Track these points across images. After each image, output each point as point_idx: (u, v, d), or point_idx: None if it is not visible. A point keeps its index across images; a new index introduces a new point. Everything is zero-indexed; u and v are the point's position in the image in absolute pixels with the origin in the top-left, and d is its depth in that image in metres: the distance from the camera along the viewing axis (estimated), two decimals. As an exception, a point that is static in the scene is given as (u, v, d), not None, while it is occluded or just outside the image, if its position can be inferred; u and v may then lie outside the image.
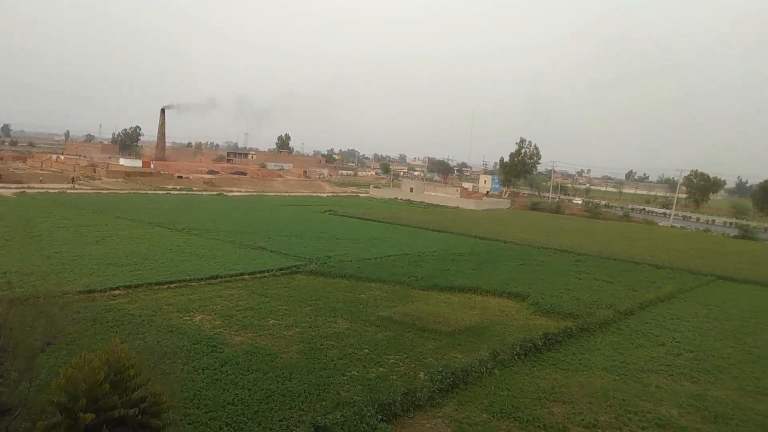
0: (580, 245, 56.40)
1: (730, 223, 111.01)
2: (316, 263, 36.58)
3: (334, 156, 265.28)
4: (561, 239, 60.91)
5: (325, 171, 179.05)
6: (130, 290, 26.63)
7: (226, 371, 17.70)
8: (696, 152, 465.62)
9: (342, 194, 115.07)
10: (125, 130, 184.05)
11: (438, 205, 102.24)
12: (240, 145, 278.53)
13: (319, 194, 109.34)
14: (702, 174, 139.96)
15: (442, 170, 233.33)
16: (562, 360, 21.29)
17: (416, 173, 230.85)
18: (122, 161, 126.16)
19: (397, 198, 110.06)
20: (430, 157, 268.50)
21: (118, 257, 33.79)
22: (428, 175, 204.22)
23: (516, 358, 20.83)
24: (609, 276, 39.68)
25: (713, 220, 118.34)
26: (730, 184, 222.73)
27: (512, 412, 16.26)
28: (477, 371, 18.82)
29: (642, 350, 23.44)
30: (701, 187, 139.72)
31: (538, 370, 20.10)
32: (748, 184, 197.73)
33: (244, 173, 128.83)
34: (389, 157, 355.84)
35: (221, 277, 30.57)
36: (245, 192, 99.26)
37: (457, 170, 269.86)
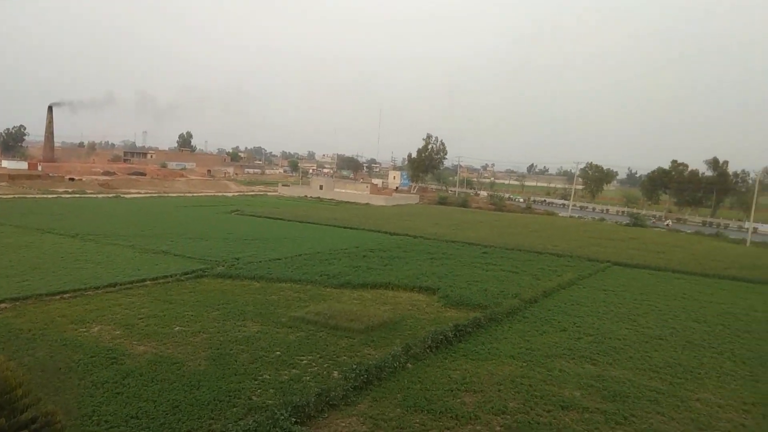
0: (486, 237, 58.40)
1: (623, 212, 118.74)
2: (223, 266, 35.60)
3: (239, 154, 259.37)
4: (468, 232, 62.80)
5: (231, 170, 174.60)
6: (17, 303, 24.73)
7: (128, 384, 16.84)
8: (591, 145, 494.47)
9: (249, 193, 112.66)
10: (8, 129, 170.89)
11: (348, 201, 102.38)
12: (138, 144, 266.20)
13: (224, 194, 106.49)
14: (596, 166, 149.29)
15: (351, 167, 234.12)
16: (472, 350, 21.92)
17: (326, 170, 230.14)
18: (5, 163, 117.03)
19: (306, 196, 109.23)
20: (340, 153, 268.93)
21: (2, 267, 31.34)
22: (344, 173, 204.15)
23: (428, 351, 21.22)
24: (514, 266, 41.30)
25: (607, 210, 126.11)
26: (622, 175, 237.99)
27: (425, 405, 16.56)
28: (390, 366, 19.00)
29: (546, 336, 24.57)
30: (596, 178, 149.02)
31: (450, 361, 20.59)
32: (637, 175, 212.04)
33: (143, 174, 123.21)
34: (297, 154, 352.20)
35: (120, 285, 29.04)
36: (145, 193, 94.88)
37: (367, 167, 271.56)
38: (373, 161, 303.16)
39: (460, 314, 26.95)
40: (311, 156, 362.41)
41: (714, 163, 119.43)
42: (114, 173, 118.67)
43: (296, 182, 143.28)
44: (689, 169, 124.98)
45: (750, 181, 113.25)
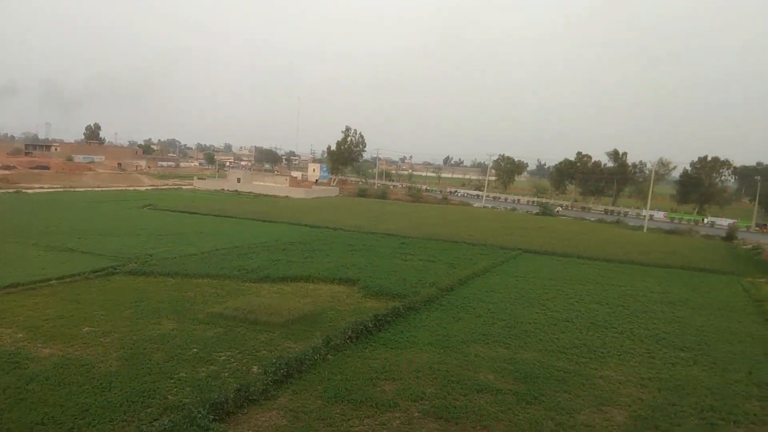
0: (404, 228, 59.19)
1: (533, 202, 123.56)
2: (135, 262, 34.13)
3: (152, 146, 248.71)
4: (387, 223, 63.39)
5: (143, 163, 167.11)
6: None
7: (33, 389, 15.85)
8: (503, 138, 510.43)
9: (163, 187, 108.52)
10: None
11: (267, 194, 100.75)
12: (41, 137, 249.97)
13: (136, 188, 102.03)
14: (508, 158, 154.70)
15: (270, 159, 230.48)
16: (391, 339, 22.19)
17: (243, 163, 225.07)
18: None
19: (223, 189, 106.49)
20: (258, 146, 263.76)
21: None
22: (267, 166, 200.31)
23: (348, 341, 21.29)
24: (431, 256, 42.11)
25: (518, 200, 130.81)
26: (532, 166, 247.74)
27: (346, 395, 16.62)
28: (311, 359, 18.93)
29: (462, 323, 25.24)
30: (508, 169, 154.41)
31: (370, 351, 20.75)
32: (546, 166, 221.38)
33: (47, 167, 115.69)
34: (214, 146, 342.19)
35: (23, 285, 27.20)
36: (49, 188, 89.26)
37: (286, 159, 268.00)
38: (292, 154, 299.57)
39: (379, 304, 27.16)
40: (228, 148, 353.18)
41: (615, 155, 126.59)
42: (14, 167, 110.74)
43: (213, 175, 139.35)
44: (593, 160, 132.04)
45: (647, 172, 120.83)
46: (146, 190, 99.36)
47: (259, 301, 26.25)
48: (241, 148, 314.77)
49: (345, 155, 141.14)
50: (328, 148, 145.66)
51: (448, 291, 31.22)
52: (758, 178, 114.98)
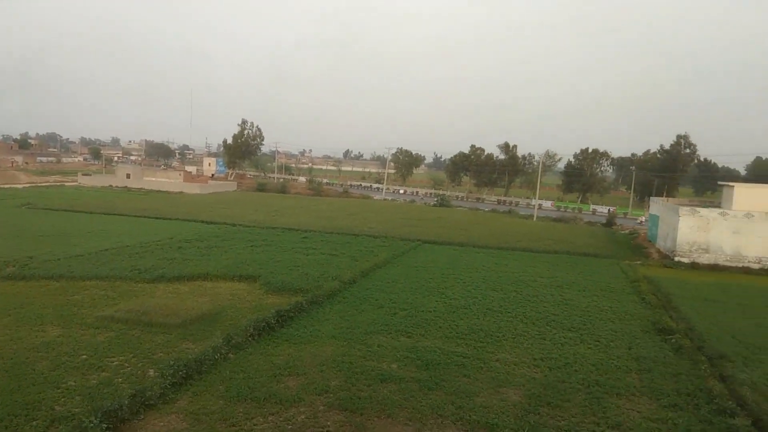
0: (306, 222, 58.79)
1: (430, 194, 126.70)
2: (14, 266, 31.55)
3: (30, 141, 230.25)
4: (288, 218, 62.67)
5: (19, 158, 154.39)
6: None
7: None
8: (402, 131, 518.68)
9: (43, 184, 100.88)
10: None
11: (160, 191, 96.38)
12: None
13: (13, 185, 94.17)
14: (406, 151, 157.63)
15: (162, 154, 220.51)
16: (294, 334, 21.99)
17: (133, 158, 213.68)
18: None
19: (112, 186, 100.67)
20: (148, 140, 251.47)
21: None
22: (164, 162, 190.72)
23: (250, 339, 20.88)
24: (333, 249, 42.13)
25: (417, 192, 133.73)
26: (429, 159, 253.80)
27: (249, 393, 16.30)
28: (211, 359, 18.37)
29: (365, 314, 25.47)
30: (406, 162, 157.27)
31: (273, 347, 20.46)
32: (442, 159, 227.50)
33: None
34: (100, 140, 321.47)
35: None
36: None
37: (179, 153, 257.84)
38: (186, 148, 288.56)
39: (282, 300, 26.85)
40: (116, 142, 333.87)
41: (506, 148, 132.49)
42: None
43: (99, 171, 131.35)
44: (486, 153, 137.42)
45: (535, 163, 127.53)
46: (24, 187, 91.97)
47: (153, 302, 25.12)
48: (130, 142, 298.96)
49: (242, 149, 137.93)
50: (225, 141, 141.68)
51: (350, 284, 31.37)
52: (633, 168, 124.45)
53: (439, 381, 18.03)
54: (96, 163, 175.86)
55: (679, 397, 17.81)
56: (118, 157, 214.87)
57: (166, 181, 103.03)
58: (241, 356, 19.39)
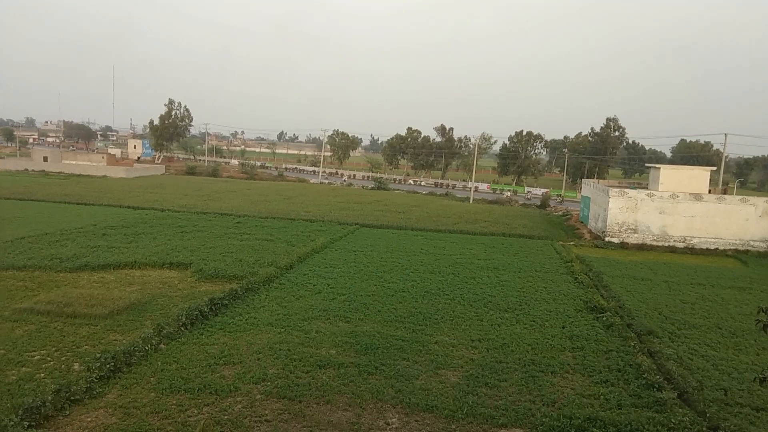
0: (239, 207, 57.71)
1: (368, 177, 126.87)
2: None
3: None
4: (220, 203, 61.35)
5: None
6: None
7: None
8: (338, 113, 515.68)
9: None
10: None
11: (81, 174, 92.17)
12: None
13: None
14: (343, 133, 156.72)
15: (82, 135, 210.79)
16: (229, 323, 21.65)
17: (50, 140, 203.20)
18: None
19: (28, 170, 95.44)
20: (67, 120, 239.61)
21: None
22: (102, 145, 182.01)
23: (183, 328, 20.40)
24: (269, 234, 41.61)
25: (354, 175, 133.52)
26: (366, 141, 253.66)
27: (182, 385, 15.95)
28: (141, 350, 17.83)
29: (302, 300, 25.35)
30: (343, 145, 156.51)
31: (207, 336, 20.08)
32: (379, 141, 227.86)
33: None
34: (12, 121, 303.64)
35: None
36: None
37: (102, 135, 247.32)
38: (108, 129, 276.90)
39: (215, 287, 26.38)
40: (31, 123, 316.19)
41: (442, 130, 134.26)
42: None
43: (13, 154, 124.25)
44: (422, 135, 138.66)
45: (471, 146, 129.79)
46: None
47: (77, 292, 24.12)
48: (46, 122, 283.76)
49: (170, 130, 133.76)
50: (151, 122, 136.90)
51: (287, 269, 31.11)
52: (566, 150, 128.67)
53: (379, 365, 18.20)
54: (9, 145, 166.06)
55: (611, 374, 18.70)
56: (34, 138, 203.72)
57: (88, 164, 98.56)
58: (173, 347, 18.93)
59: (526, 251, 41.86)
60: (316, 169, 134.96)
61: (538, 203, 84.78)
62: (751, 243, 47.35)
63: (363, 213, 58.90)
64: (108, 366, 16.33)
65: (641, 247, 47.26)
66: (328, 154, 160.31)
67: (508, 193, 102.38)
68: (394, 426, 14.58)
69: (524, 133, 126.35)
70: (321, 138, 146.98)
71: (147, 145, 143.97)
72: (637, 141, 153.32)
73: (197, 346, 19.06)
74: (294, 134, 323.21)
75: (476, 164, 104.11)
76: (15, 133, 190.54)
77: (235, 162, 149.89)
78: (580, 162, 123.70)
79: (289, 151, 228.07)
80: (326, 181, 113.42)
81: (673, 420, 15.07)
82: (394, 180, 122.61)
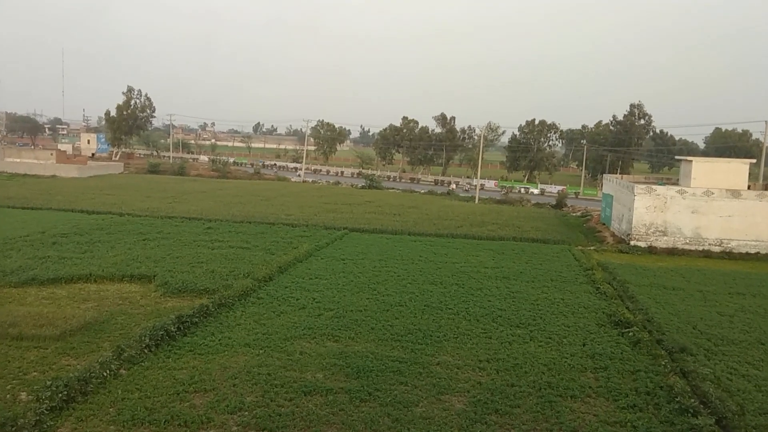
0: (210, 210, 57.68)
1: (358, 174, 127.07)
2: None
3: None
4: (188, 205, 61.31)
5: None
6: None
7: None
8: (325, 105, 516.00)
9: None
10: None
11: (27, 174, 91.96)
12: None
13: None
14: (328, 124, 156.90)
15: (28, 129, 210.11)
16: (200, 343, 21.61)
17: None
18: None
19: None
20: (9, 112, 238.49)
21: None
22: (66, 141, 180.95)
23: (146, 351, 20.34)
24: (245, 241, 41.59)
25: (342, 172, 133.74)
26: (355, 133, 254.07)
27: (146, 416, 15.91)
28: (98, 377, 17.76)
29: (284, 317, 25.34)
30: (329, 138, 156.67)
31: (174, 360, 20.03)
32: (370, 133, 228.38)
33: None
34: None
35: None
36: None
37: (50, 128, 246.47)
38: (58, 121, 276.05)
39: (183, 303, 26.36)
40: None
41: (442, 120, 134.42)
42: None
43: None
44: (420, 126, 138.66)
45: (475, 138, 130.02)
46: None
47: (24, 310, 24.05)
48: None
49: (129, 122, 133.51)
50: (107, 113, 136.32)
51: (266, 281, 31.11)
52: (584, 141, 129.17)
53: (373, 391, 18.21)
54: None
55: (638, 397, 18.77)
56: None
57: (34, 162, 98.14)
58: (135, 372, 18.87)
59: (541, 258, 41.99)
60: (298, 165, 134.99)
61: (554, 202, 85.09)
62: (797, 246, 47.65)
63: (353, 216, 58.97)
64: (60, 395, 16.25)
65: (671, 252, 47.50)
66: (312, 148, 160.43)
67: (522, 191, 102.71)
68: (391, 461, 14.58)
69: (536, 122, 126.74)
70: (303, 130, 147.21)
71: (103, 140, 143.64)
72: (665, 130, 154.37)
73: (163, 371, 19.01)
74: (272, 126, 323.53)
75: (482, 158, 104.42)
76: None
77: (204, 158, 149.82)
78: (600, 155, 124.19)
79: (267, 146, 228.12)
80: (310, 180, 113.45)
81: (710, 450, 15.14)
82: (388, 177, 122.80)
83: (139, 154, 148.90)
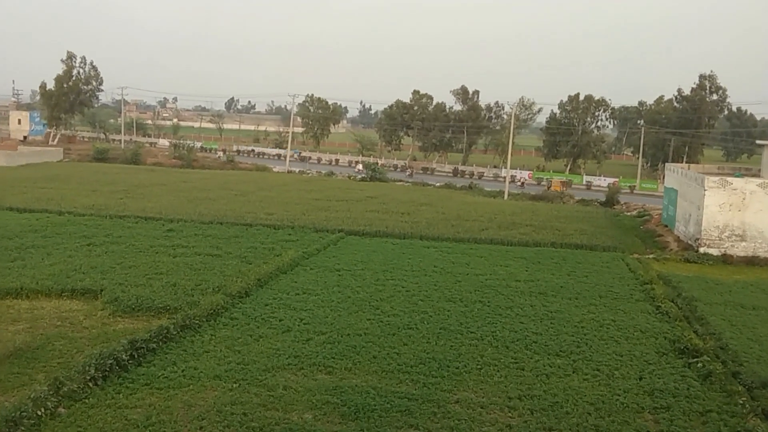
0: (171, 208, 57.72)
1: (356, 162, 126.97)
2: None
3: None
4: (144, 201, 61.38)
5: None
6: None
7: None
8: (311, 72, 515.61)
9: None
10: None
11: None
12: None
13: None
14: (320, 100, 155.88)
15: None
16: (159, 375, 21.63)
17: None
18: None
19: None
20: None
21: None
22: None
23: (91, 384, 20.39)
24: (215, 247, 41.67)
25: (337, 160, 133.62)
26: (353, 111, 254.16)
27: (92, 467, 15.96)
28: (31, 416, 17.80)
29: (264, 342, 25.34)
30: (320, 117, 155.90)
31: (126, 396, 20.06)
32: (372, 112, 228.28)
33: None
34: None
35: None
36: None
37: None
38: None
39: (138, 325, 26.41)
40: None
41: (463, 94, 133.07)
42: None
43: None
44: (434, 102, 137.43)
45: (505, 117, 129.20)
46: None
47: (-62, 333, 24.15)
48: None
49: (70, 98, 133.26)
50: (42, 86, 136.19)
51: (241, 297, 31.13)
52: (641, 122, 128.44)
53: (375, 436, 18.21)
54: None
55: (709, 444, 18.71)
56: None
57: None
58: (77, 410, 18.90)
59: (586, 268, 41.91)
60: (282, 152, 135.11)
61: (603, 199, 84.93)
62: None
63: (350, 215, 58.92)
64: (-17, 440, 16.34)
65: (751, 261, 47.31)
66: (300, 130, 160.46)
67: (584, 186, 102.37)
68: None
69: (581, 97, 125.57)
70: (288, 107, 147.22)
71: (37, 120, 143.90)
72: (743, 108, 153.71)
73: (112, 410, 19.04)
74: (249, 102, 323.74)
75: (512, 142, 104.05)
76: None
77: (164, 142, 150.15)
78: (662, 139, 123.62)
79: (243, 127, 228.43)
80: (296, 170, 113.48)
81: None
82: (395, 167, 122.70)
83: (83, 137, 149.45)
